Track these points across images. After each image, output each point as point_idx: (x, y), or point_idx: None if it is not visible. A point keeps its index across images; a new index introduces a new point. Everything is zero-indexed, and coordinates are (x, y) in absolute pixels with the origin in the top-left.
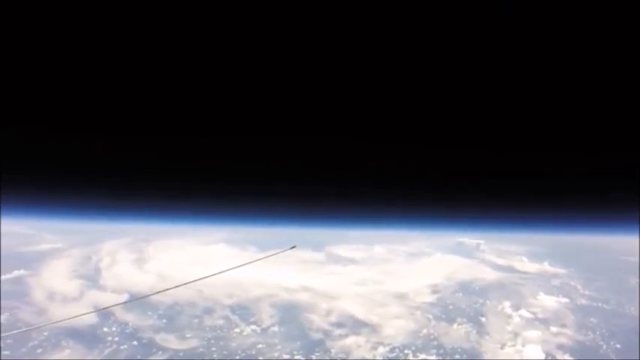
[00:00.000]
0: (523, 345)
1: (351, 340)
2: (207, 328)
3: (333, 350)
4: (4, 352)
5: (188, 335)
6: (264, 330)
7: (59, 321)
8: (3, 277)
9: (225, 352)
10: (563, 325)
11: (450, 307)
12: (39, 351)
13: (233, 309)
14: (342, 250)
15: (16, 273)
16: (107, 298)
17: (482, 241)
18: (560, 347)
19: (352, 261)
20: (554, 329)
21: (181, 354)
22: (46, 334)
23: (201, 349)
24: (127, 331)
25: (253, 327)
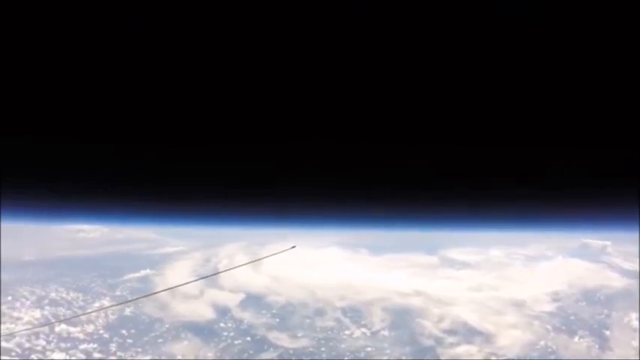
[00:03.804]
0: None
1: (462, 349)
2: (318, 329)
3: (443, 358)
4: (128, 341)
5: (299, 334)
6: (374, 333)
7: (48, 324)
8: (131, 275)
9: (334, 353)
10: None
11: (572, 317)
12: (159, 341)
13: (344, 311)
14: (457, 254)
15: (142, 272)
16: (225, 297)
17: (608, 243)
18: None
19: (467, 265)
20: None
21: (291, 352)
22: (167, 326)
23: (310, 349)
24: (242, 327)
25: (363, 330)
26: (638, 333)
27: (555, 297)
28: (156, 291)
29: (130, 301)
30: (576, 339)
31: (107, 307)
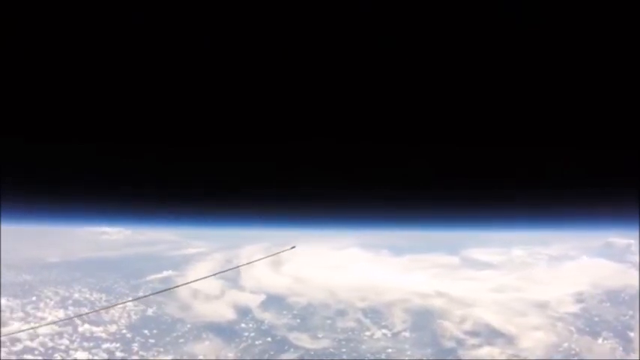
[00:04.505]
0: None
1: (484, 351)
2: (339, 330)
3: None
4: (150, 341)
5: (320, 335)
6: (395, 335)
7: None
8: (153, 276)
9: (354, 354)
10: None
11: (596, 318)
12: (181, 341)
13: (365, 312)
14: (478, 254)
15: (165, 273)
16: (246, 298)
17: (633, 241)
18: None
19: (489, 265)
20: None
21: (312, 353)
22: (188, 326)
23: (331, 350)
24: (263, 328)
25: (384, 331)
26: None
27: (579, 298)
28: (164, 288)
29: (140, 297)
30: (600, 340)
31: (115, 305)
